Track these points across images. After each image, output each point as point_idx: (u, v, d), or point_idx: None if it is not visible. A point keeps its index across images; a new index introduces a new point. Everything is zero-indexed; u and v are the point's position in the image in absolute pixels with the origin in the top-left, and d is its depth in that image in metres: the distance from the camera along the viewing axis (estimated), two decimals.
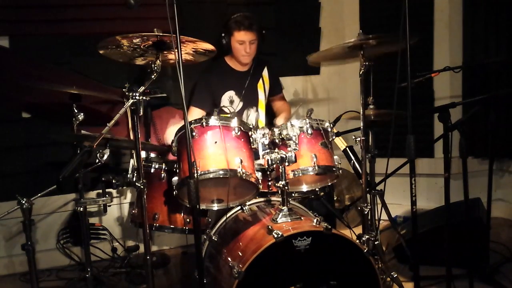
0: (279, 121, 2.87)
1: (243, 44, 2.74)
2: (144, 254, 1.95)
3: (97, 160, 1.74)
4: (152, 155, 2.74)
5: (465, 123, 2.25)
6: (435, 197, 3.43)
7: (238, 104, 2.86)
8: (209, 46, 2.11)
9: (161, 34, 1.88)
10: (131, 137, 2.89)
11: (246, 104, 2.88)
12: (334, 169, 2.14)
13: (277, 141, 2.11)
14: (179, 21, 1.66)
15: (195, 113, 2.79)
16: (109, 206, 2.74)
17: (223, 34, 2.76)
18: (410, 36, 1.75)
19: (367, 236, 2.18)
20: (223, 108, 2.81)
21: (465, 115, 3.27)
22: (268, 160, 2.01)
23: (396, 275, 2.25)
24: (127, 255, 3.10)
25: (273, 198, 2.35)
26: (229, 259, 1.95)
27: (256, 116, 2.92)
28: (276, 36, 3.64)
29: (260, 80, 2.95)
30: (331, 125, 2.21)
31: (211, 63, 2.76)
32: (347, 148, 2.62)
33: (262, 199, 2.34)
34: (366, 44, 2.14)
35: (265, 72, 2.97)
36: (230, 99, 2.85)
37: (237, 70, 2.90)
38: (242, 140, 2.03)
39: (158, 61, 1.93)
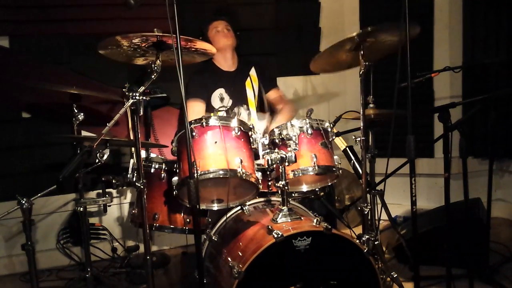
0: (279, 120, 2.86)
1: (220, 31, 2.87)
2: (144, 254, 1.95)
3: (97, 160, 1.74)
4: (153, 155, 2.74)
5: (465, 123, 2.25)
6: (435, 197, 3.43)
7: (228, 102, 2.89)
8: (209, 46, 2.11)
9: (161, 34, 1.88)
10: (131, 137, 2.89)
11: (235, 102, 2.90)
12: (334, 169, 2.14)
13: (277, 141, 2.11)
14: (179, 21, 1.66)
15: (195, 104, 2.81)
16: (109, 206, 2.75)
17: (200, 38, 2.79)
18: (411, 28, 1.75)
19: (367, 236, 2.18)
20: (220, 108, 2.83)
21: (465, 115, 3.27)
22: (268, 160, 2.01)
23: (396, 275, 2.25)
24: (127, 255, 3.10)
25: (273, 198, 2.34)
26: (229, 259, 1.95)
27: (247, 114, 2.93)
28: (276, 36, 3.64)
29: (248, 79, 2.99)
30: (331, 125, 2.21)
31: (200, 65, 2.79)
32: (347, 148, 2.62)
33: (262, 199, 2.34)
34: (365, 41, 2.13)
35: (252, 72, 3.01)
36: (220, 97, 2.88)
37: (225, 70, 2.96)
38: (242, 140, 2.03)
39: (158, 61, 1.93)
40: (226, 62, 2.95)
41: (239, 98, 2.92)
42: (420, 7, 3.50)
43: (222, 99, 2.87)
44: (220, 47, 2.85)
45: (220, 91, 2.88)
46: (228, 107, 2.84)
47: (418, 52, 3.35)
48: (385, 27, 2.08)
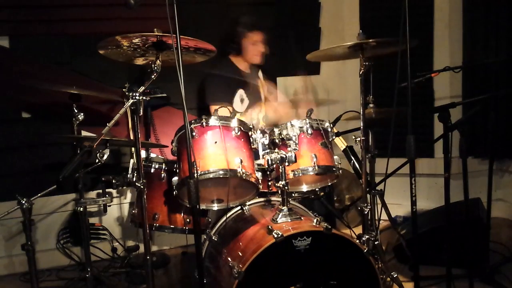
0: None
1: (256, 45, 2.82)
2: (144, 254, 1.95)
3: (97, 160, 1.74)
4: (153, 155, 2.74)
5: (465, 123, 2.25)
6: (435, 197, 3.43)
7: (247, 103, 2.90)
8: (210, 47, 2.11)
9: (161, 34, 1.88)
10: (131, 137, 2.89)
11: (252, 103, 2.90)
12: (334, 169, 2.14)
13: (277, 141, 2.11)
14: (179, 21, 1.66)
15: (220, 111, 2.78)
16: (109, 206, 2.74)
17: (234, 37, 2.79)
18: (410, 38, 1.75)
19: (367, 236, 2.18)
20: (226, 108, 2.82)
21: (465, 115, 3.27)
22: (268, 160, 2.01)
23: (396, 275, 2.25)
24: (127, 255, 3.10)
25: (273, 198, 2.35)
26: (229, 259, 1.95)
27: (260, 115, 2.94)
28: (276, 36, 3.64)
29: (259, 82, 2.99)
30: (331, 125, 2.21)
31: (216, 63, 2.78)
32: (347, 148, 2.62)
33: (262, 199, 2.34)
34: (366, 44, 2.14)
35: (260, 75, 3.01)
36: (240, 98, 2.87)
37: (242, 70, 2.94)
38: (242, 140, 2.03)
39: (158, 61, 1.93)
40: (243, 64, 2.95)
41: (255, 99, 2.94)
42: (420, 7, 3.51)
43: (242, 100, 2.87)
44: (248, 59, 2.88)
45: (241, 92, 2.88)
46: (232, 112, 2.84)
47: (418, 52, 3.36)
48: (385, 41, 2.09)
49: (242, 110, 2.86)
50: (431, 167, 3.56)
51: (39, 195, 1.88)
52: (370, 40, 2.08)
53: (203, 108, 2.92)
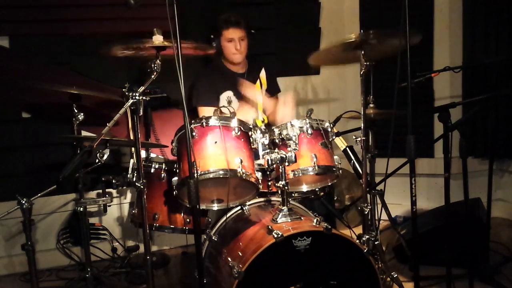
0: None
1: (233, 42, 2.75)
2: (144, 254, 1.95)
3: (97, 160, 1.74)
4: (153, 155, 2.74)
5: (465, 123, 2.25)
6: (435, 197, 3.43)
7: (236, 105, 2.84)
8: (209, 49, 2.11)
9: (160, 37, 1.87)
10: (131, 137, 2.89)
11: (244, 104, 2.86)
12: (334, 169, 2.14)
13: (277, 141, 2.11)
14: (179, 21, 1.67)
15: (207, 111, 2.74)
16: (109, 206, 2.74)
17: (212, 36, 2.76)
18: (412, 34, 1.75)
19: (367, 236, 2.18)
20: (222, 108, 2.80)
21: (465, 115, 3.27)
22: (268, 160, 2.01)
23: (396, 275, 2.25)
24: (127, 255, 3.10)
25: (273, 198, 2.35)
26: (229, 259, 1.95)
27: (254, 116, 2.91)
28: (276, 36, 3.64)
29: (258, 82, 2.94)
30: (331, 125, 2.21)
31: (208, 63, 2.75)
32: (347, 148, 2.62)
33: (262, 199, 2.34)
34: (366, 43, 2.13)
35: (262, 74, 2.96)
36: (228, 100, 2.84)
37: (234, 71, 2.90)
38: (242, 140, 2.03)
39: (158, 61, 1.93)
40: (236, 64, 2.88)
41: (249, 100, 2.84)
42: (420, 7, 3.51)
43: (229, 102, 2.82)
44: (229, 58, 2.82)
45: (228, 93, 2.84)
46: (231, 112, 2.80)
47: (418, 52, 3.36)
48: (387, 32, 2.08)
49: (230, 111, 2.82)
50: (431, 167, 3.56)
51: (39, 195, 1.88)
52: (371, 32, 2.06)
53: (191, 110, 2.90)
